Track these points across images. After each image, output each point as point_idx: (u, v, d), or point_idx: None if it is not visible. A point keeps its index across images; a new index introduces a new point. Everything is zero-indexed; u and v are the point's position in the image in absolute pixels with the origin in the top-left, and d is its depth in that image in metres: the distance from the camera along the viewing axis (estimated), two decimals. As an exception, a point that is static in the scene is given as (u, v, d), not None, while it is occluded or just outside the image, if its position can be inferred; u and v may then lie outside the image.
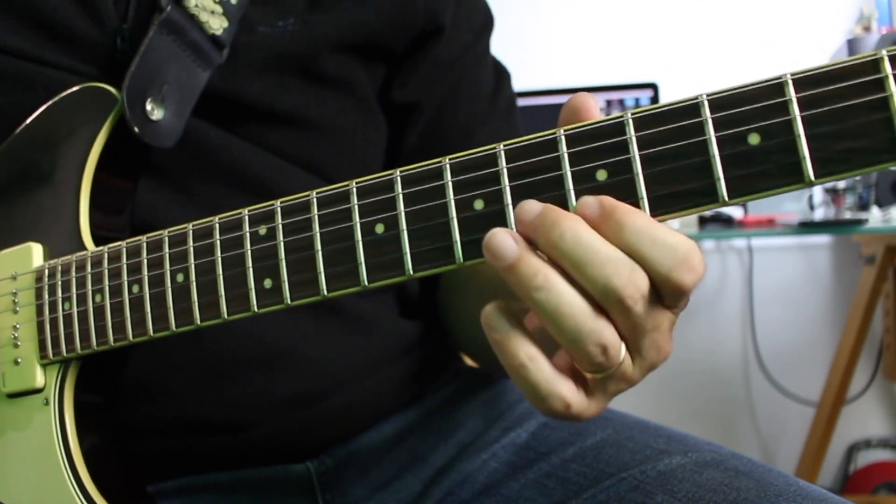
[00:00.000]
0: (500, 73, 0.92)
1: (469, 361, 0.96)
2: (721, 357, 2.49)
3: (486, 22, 0.89)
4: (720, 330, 2.48)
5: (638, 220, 0.42)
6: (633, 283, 0.41)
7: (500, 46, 0.95)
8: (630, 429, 0.72)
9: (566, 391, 0.44)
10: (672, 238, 0.42)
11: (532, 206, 0.43)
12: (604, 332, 0.43)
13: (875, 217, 1.88)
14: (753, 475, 0.62)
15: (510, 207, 0.45)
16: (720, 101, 0.41)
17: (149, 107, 0.66)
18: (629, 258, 0.42)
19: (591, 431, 0.73)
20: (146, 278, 0.58)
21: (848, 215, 1.94)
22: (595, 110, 0.45)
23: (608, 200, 0.42)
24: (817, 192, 2.11)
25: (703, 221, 2.09)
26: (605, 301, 0.42)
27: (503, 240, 0.43)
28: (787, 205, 2.11)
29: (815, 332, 2.47)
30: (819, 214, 2.10)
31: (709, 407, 2.49)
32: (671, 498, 0.61)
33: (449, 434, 0.80)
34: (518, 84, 0.93)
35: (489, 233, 0.43)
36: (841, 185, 1.97)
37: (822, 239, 2.45)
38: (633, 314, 0.42)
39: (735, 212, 2.19)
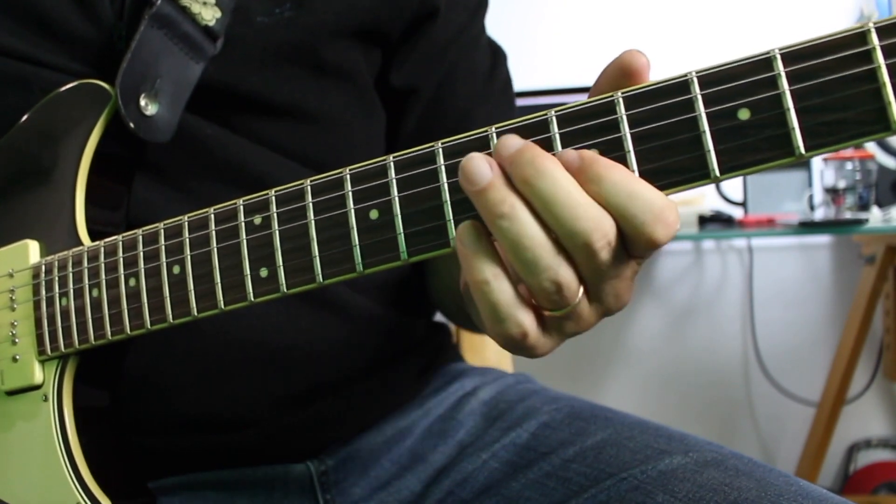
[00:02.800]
0: (496, 53, 0.91)
1: (469, 360, 0.96)
2: (721, 357, 2.48)
3: (480, 1, 0.88)
4: (720, 330, 2.47)
5: (617, 173, 0.42)
6: (600, 229, 0.42)
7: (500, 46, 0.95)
8: (630, 429, 0.71)
9: (524, 318, 0.45)
10: (649, 193, 0.42)
11: (513, 141, 0.44)
12: (560, 269, 0.43)
13: (875, 217, 1.88)
14: (754, 475, 0.61)
15: None
16: (709, 78, 0.41)
17: (143, 102, 0.66)
18: (600, 207, 0.42)
19: (591, 431, 0.72)
20: (143, 271, 0.58)
21: (848, 215, 1.93)
22: (647, 74, 0.45)
23: (588, 153, 0.43)
24: (817, 192, 2.11)
25: (703, 221, 2.08)
26: (570, 243, 0.43)
27: (479, 164, 0.43)
28: (787, 205, 2.11)
29: (815, 332, 2.46)
30: (819, 214, 2.09)
31: (709, 407, 2.48)
32: (672, 498, 0.61)
33: (449, 434, 0.80)
34: (518, 84, 0.93)
35: (467, 156, 0.44)
36: (841, 184, 1.96)
37: (822, 239, 2.45)
38: (598, 260, 0.43)
39: (735, 212, 2.19)
